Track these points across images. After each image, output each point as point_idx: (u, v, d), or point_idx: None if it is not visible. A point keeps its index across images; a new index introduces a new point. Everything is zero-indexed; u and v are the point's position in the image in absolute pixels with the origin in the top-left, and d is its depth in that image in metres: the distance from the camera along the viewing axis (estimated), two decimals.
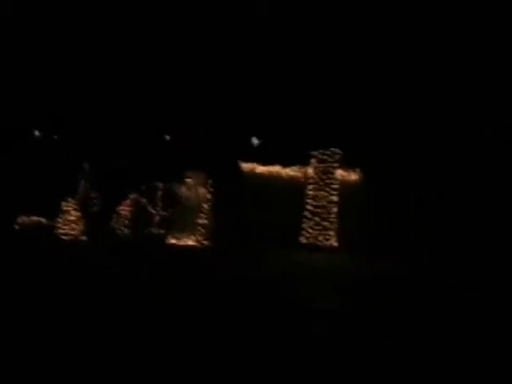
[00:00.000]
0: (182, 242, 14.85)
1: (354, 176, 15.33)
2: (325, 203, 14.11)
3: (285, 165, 15.98)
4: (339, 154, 14.37)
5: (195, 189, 15.32)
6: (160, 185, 16.35)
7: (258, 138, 17.65)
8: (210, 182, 15.07)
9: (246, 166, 16.20)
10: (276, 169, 16.22)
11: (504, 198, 13.26)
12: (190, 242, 14.77)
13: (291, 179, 15.73)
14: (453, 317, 5.56)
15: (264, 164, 16.24)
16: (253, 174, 16.07)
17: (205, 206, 14.96)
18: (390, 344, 4.71)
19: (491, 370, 3.97)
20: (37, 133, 23.08)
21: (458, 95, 15.43)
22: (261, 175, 16.11)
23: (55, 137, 23.40)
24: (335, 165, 14.34)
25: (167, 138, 23.65)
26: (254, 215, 15.22)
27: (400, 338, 4.94)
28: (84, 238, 14.06)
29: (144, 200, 16.12)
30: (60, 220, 13.91)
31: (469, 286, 7.27)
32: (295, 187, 15.30)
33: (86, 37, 17.92)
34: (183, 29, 17.51)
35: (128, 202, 15.90)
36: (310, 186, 14.38)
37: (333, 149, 14.34)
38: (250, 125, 17.23)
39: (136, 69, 17.66)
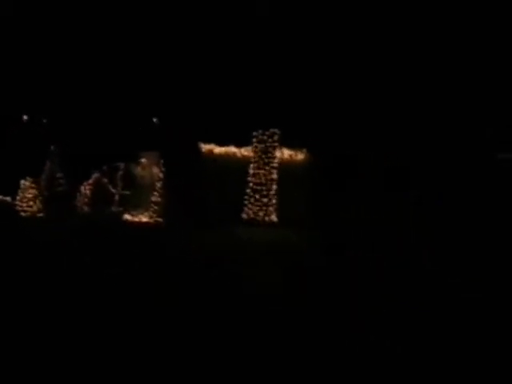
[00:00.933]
0: (136, 219, 15.69)
1: (300, 156, 15.91)
2: (265, 181, 14.65)
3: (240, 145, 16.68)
4: (278, 134, 14.81)
5: (149, 168, 16.14)
6: (121, 165, 17.29)
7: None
8: (162, 161, 15.80)
9: (205, 147, 16.99)
10: (232, 149, 16.93)
11: (503, 198, 13.41)
12: (144, 219, 15.60)
13: (244, 159, 16.36)
14: (452, 317, 5.53)
15: (221, 145, 16.99)
16: (211, 154, 16.83)
17: (157, 184, 15.74)
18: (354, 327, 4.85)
19: (491, 370, 4.01)
20: (25, 117, 24.28)
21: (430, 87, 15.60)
22: (218, 155, 16.84)
23: (44, 121, 24.56)
24: (275, 144, 14.81)
25: (155, 120, 24.46)
26: (209, 193, 16.02)
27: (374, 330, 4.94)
28: (41, 214, 15.03)
29: (105, 180, 17.09)
30: (18, 198, 14.92)
31: (469, 285, 7.15)
32: (247, 166, 15.92)
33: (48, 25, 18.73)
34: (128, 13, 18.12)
35: (90, 181, 16.90)
36: (251, 165, 14.93)
37: (272, 129, 14.77)
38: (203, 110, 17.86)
39: (98, 56, 18.43)
